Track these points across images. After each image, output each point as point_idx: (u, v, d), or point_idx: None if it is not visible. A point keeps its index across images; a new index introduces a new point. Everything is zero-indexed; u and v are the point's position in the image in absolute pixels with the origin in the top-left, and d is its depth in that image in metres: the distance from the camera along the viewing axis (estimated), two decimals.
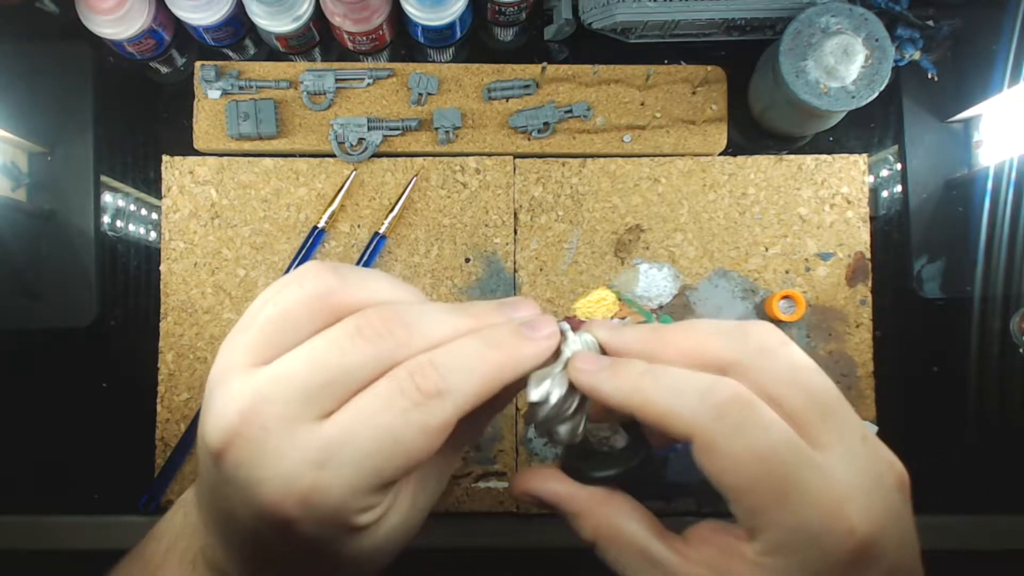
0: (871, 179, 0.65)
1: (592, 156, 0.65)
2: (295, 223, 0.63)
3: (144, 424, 0.62)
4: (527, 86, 0.64)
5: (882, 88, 0.57)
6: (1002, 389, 0.63)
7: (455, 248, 0.64)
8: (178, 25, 0.64)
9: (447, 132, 0.63)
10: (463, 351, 0.31)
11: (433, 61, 0.66)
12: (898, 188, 0.66)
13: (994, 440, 0.63)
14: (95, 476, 0.63)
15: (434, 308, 0.32)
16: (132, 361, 0.63)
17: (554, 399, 0.33)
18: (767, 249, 0.64)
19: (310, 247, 0.62)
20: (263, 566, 0.32)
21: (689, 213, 0.64)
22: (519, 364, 0.32)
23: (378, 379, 0.30)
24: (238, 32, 0.64)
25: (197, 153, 0.64)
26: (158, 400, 0.62)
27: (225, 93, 0.64)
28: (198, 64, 0.64)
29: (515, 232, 0.64)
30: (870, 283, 0.64)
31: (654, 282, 0.63)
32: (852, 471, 0.30)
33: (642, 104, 0.65)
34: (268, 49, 0.66)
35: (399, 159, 0.64)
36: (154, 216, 0.64)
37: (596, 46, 0.66)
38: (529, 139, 0.64)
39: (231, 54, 0.66)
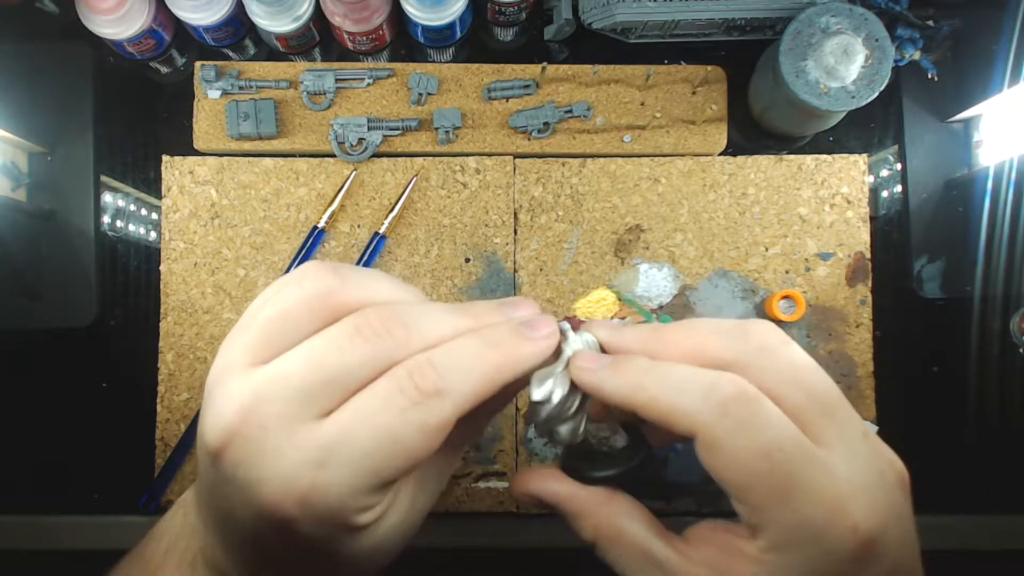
0: (871, 179, 0.65)
1: (592, 156, 0.65)
2: (295, 223, 0.63)
3: (144, 424, 0.62)
4: (527, 86, 0.64)
5: (882, 88, 0.57)
6: (1002, 389, 0.63)
7: (455, 248, 0.64)
8: (178, 25, 0.64)
9: (447, 132, 0.63)
10: (462, 351, 0.31)
11: (433, 61, 0.66)
12: (898, 188, 0.66)
13: (994, 440, 0.63)
14: (95, 476, 0.63)
15: (433, 308, 0.32)
16: (132, 361, 0.63)
17: (556, 398, 0.34)
18: (767, 249, 0.64)
19: (310, 247, 0.62)
20: (262, 566, 0.32)
21: (689, 213, 0.64)
22: (518, 364, 0.32)
23: (377, 379, 0.30)
24: (238, 32, 0.64)
25: (197, 153, 0.64)
26: (158, 400, 0.62)
27: (225, 93, 0.64)
28: (198, 64, 0.64)
29: (515, 232, 0.64)
30: (870, 283, 0.64)
31: (654, 282, 0.63)
32: (854, 469, 0.30)
33: (642, 104, 0.65)
34: (268, 49, 0.66)
35: (399, 159, 0.64)
36: (154, 216, 0.64)
37: (596, 46, 0.66)
38: (529, 139, 0.64)
39: (231, 54, 0.66)
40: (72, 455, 0.63)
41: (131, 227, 0.64)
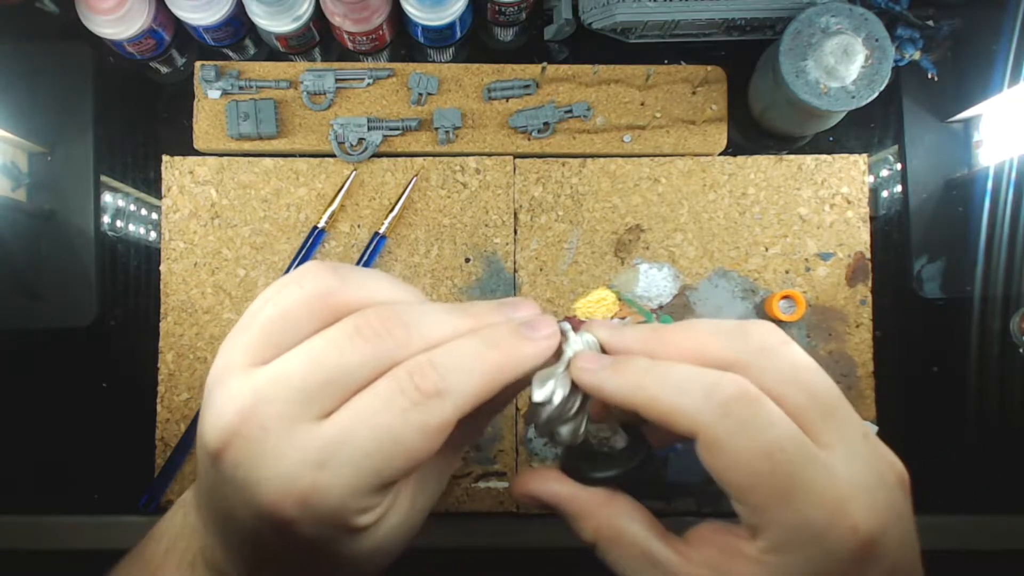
0: (871, 179, 0.65)
1: (592, 156, 0.65)
2: (295, 223, 0.63)
3: (144, 424, 0.62)
4: (527, 86, 0.64)
5: (882, 88, 0.57)
6: (1002, 389, 0.63)
7: (455, 248, 0.64)
8: (178, 25, 0.64)
9: (447, 132, 0.63)
10: (462, 351, 0.31)
11: (433, 61, 0.66)
12: (898, 188, 0.66)
13: (994, 440, 0.63)
14: (95, 476, 0.63)
15: (433, 308, 0.32)
16: (132, 361, 0.63)
17: (557, 399, 0.33)
18: (767, 249, 0.64)
19: (310, 247, 0.62)
20: (262, 566, 0.32)
21: (689, 213, 0.64)
22: (519, 364, 0.32)
23: (378, 379, 0.30)
24: (238, 32, 0.64)
25: (197, 153, 0.64)
26: (158, 400, 0.62)
27: (225, 93, 0.64)
28: (198, 64, 0.64)
29: (515, 232, 0.64)
30: (870, 283, 0.64)
31: (654, 282, 0.63)
32: (854, 469, 0.30)
33: (642, 104, 0.65)
34: (268, 49, 0.66)
35: (399, 159, 0.64)
36: (154, 216, 0.64)
37: (596, 46, 0.66)
38: (529, 139, 0.64)
39: (231, 54, 0.66)
40: (72, 455, 0.63)
41: (131, 227, 0.64)
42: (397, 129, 0.63)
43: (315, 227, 0.62)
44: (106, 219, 0.64)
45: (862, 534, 0.29)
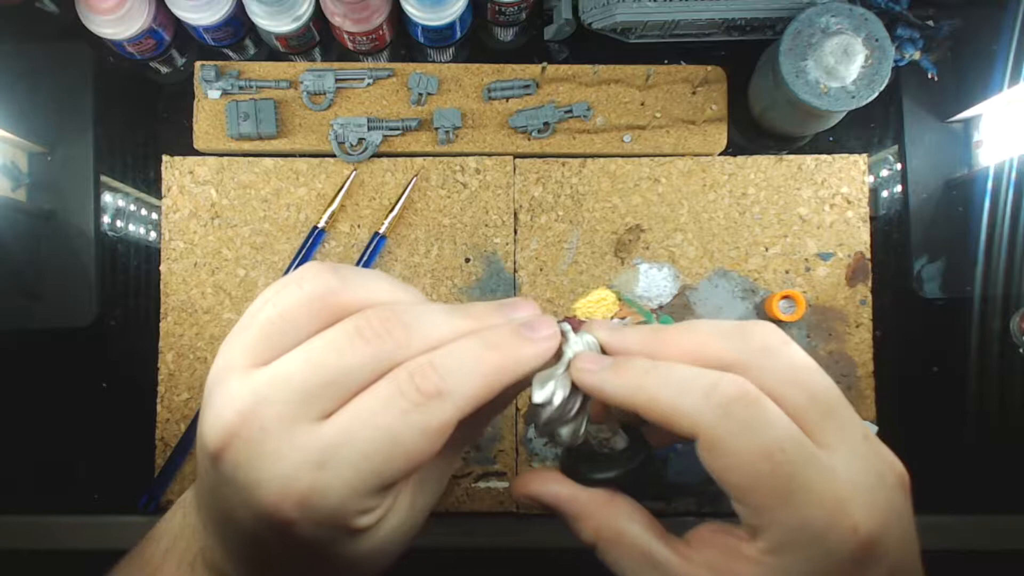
0: (871, 179, 0.65)
1: (592, 156, 0.65)
2: (295, 223, 0.63)
3: (144, 424, 0.62)
4: (527, 86, 0.64)
5: (882, 88, 0.57)
6: (1002, 389, 0.63)
7: (455, 248, 0.64)
8: (178, 25, 0.64)
9: (447, 132, 0.63)
10: (463, 352, 0.31)
11: (433, 61, 0.66)
12: (898, 188, 0.66)
13: (994, 440, 0.63)
14: (95, 476, 0.63)
15: (433, 309, 0.32)
16: (132, 361, 0.63)
17: (557, 400, 0.33)
18: (767, 249, 0.64)
19: (310, 247, 0.62)
20: (262, 567, 0.32)
21: (689, 213, 0.64)
22: (519, 365, 0.32)
23: (378, 380, 0.30)
24: (238, 32, 0.64)
25: (197, 153, 0.64)
26: (158, 400, 0.62)
27: (225, 93, 0.64)
28: (198, 64, 0.64)
29: (515, 232, 0.64)
30: (870, 283, 0.64)
31: (654, 282, 0.63)
32: (854, 470, 0.30)
33: (642, 104, 0.65)
34: (268, 49, 0.66)
35: (399, 159, 0.64)
36: (154, 216, 0.64)
37: (596, 46, 0.66)
38: (529, 139, 0.64)
39: (231, 54, 0.66)
40: (72, 455, 0.63)
41: (131, 227, 0.64)
42: (397, 129, 0.63)
43: (315, 227, 0.62)
44: (106, 219, 0.64)
45: (862, 534, 0.29)
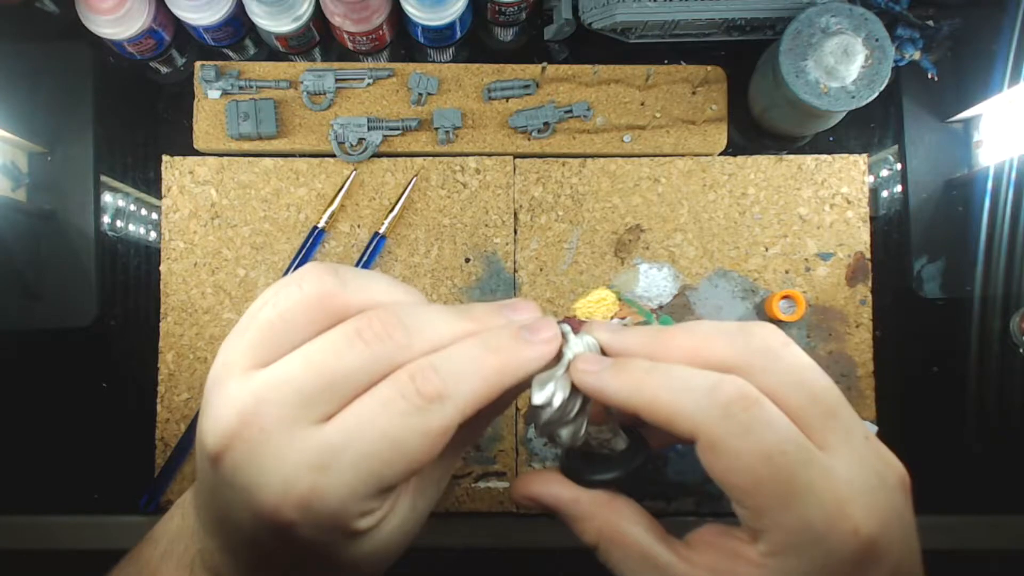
0: (871, 179, 0.65)
1: (592, 156, 0.65)
2: (295, 223, 0.63)
3: (144, 424, 0.62)
4: (527, 86, 0.64)
5: (882, 88, 0.57)
6: (1002, 389, 0.63)
7: (455, 248, 0.64)
8: (178, 25, 0.64)
9: (447, 132, 0.63)
10: (464, 355, 0.31)
11: (433, 61, 0.66)
12: (898, 188, 0.66)
13: (994, 440, 0.63)
14: (95, 476, 0.63)
15: (434, 311, 0.32)
16: (132, 361, 0.63)
17: (557, 402, 0.33)
18: (767, 249, 0.64)
19: (310, 247, 0.62)
20: (261, 569, 0.32)
21: (689, 213, 0.64)
22: (520, 368, 0.32)
23: (379, 383, 0.30)
24: (238, 32, 0.64)
25: (197, 153, 0.64)
26: (158, 400, 0.62)
27: (225, 93, 0.64)
28: (198, 64, 0.64)
29: (515, 232, 0.64)
30: (870, 283, 0.64)
31: (654, 282, 0.63)
32: (855, 471, 0.30)
33: (642, 104, 0.65)
34: (268, 49, 0.66)
35: (399, 159, 0.64)
36: (154, 216, 0.64)
37: (596, 46, 0.66)
38: (529, 139, 0.64)
39: (231, 54, 0.66)
40: (72, 455, 0.63)
41: (131, 227, 0.64)
42: (397, 129, 0.63)
43: (315, 227, 0.62)
44: (106, 219, 0.64)
45: (863, 536, 0.29)
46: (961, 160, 0.66)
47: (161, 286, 0.63)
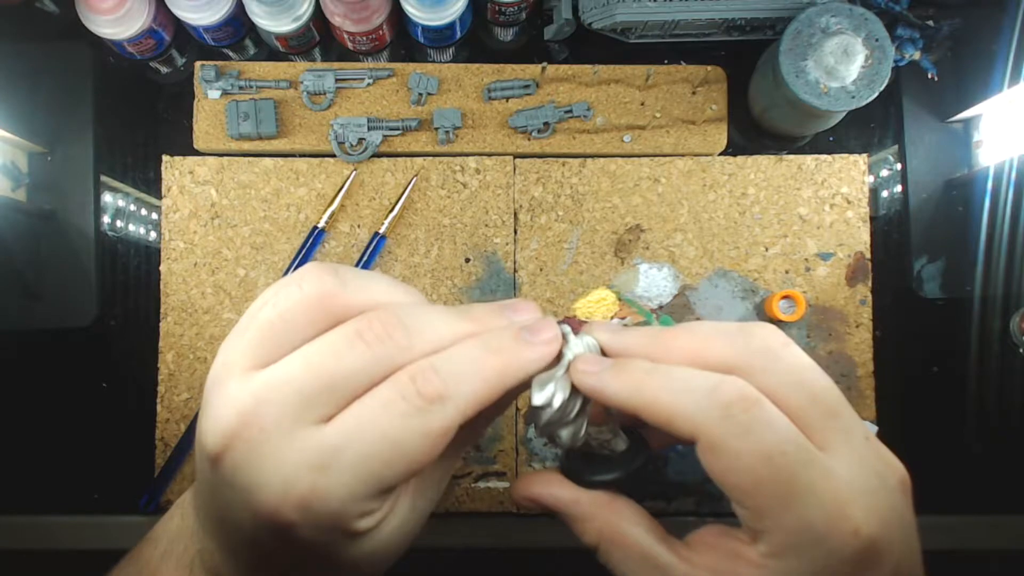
0: (871, 179, 0.65)
1: (592, 156, 0.65)
2: (295, 223, 0.63)
3: (144, 424, 0.62)
4: (527, 86, 0.64)
5: (882, 88, 0.57)
6: (1002, 389, 0.63)
7: (455, 248, 0.64)
8: (178, 25, 0.64)
9: (447, 132, 0.63)
10: (464, 356, 0.31)
11: (433, 61, 0.66)
12: (898, 188, 0.66)
13: (994, 440, 0.63)
14: (95, 476, 0.63)
15: (434, 311, 0.32)
16: (132, 361, 0.63)
17: (557, 403, 0.33)
18: (767, 249, 0.64)
19: (310, 247, 0.62)
20: (261, 569, 0.32)
21: (689, 213, 0.64)
22: (521, 369, 0.32)
23: (379, 384, 0.30)
24: (238, 32, 0.64)
25: (197, 153, 0.64)
26: (158, 400, 0.62)
27: (225, 93, 0.64)
28: (198, 64, 0.64)
29: (515, 232, 0.64)
30: (870, 283, 0.64)
31: (654, 282, 0.63)
32: (855, 472, 0.30)
33: (642, 104, 0.65)
34: (268, 49, 0.66)
35: (399, 159, 0.64)
36: (154, 216, 0.64)
37: (596, 46, 0.66)
38: (529, 139, 0.64)
39: (231, 54, 0.66)
40: (72, 455, 0.63)
41: (131, 227, 0.64)
42: (397, 129, 0.63)
43: (315, 227, 0.62)
44: (106, 219, 0.64)
45: (863, 537, 0.29)
46: (961, 160, 0.66)
47: (161, 286, 0.63)
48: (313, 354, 0.30)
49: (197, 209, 0.63)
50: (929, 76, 0.64)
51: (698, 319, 0.64)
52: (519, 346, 0.32)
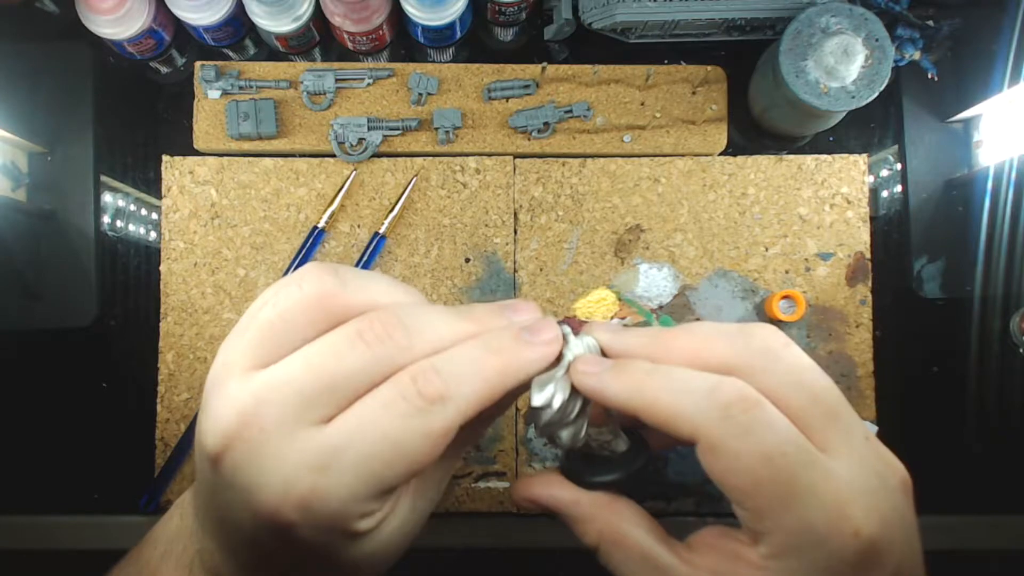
0: (871, 179, 0.65)
1: (592, 156, 0.65)
2: (295, 223, 0.63)
3: (144, 424, 0.62)
4: (527, 86, 0.64)
5: (882, 88, 0.57)
6: (1002, 389, 0.63)
7: (455, 248, 0.64)
8: (178, 25, 0.64)
9: (447, 132, 0.63)
10: (465, 356, 0.31)
11: (433, 61, 0.66)
12: (898, 188, 0.66)
13: (994, 440, 0.63)
14: (95, 476, 0.63)
15: (435, 312, 0.32)
16: (132, 361, 0.63)
17: (557, 403, 0.33)
18: (767, 249, 0.64)
19: (310, 247, 0.62)
20: (261, 570, 0.32)
21: (689, 213, 0.64)
22: (521, 369, 0.32)
23: (380, 384, 0.30)
24: (238, 32, 0.64)
25: (197, 153, 0.64)
26: (158, 400, 0.62)
27: (225, 93, 0.64)
28: (198, 64, 0.64)
29: (515, 232, 0.64)
30: (870, 283, 0.64)
31: (654, 282, 0.63)
32: (856, 472, 0.30)
33: (642, 104, 0.65)
34: (268, 49, 0.66)
35: (399, 159, 0.64)
36: (154, 216, 0.64)
37: (596, 46, 0.66)
38: (529, 139, 0.64)
39: (231, 54, 0.66)
40: (72, 455, 0.63)
41: (131, 227, 0.64)
42: (397, 129, 0.63)
43: (315, 227, 0.62)
44: (106, 219, 0.64)
45: (864, 538, 0.29)
46: (961, 160, 0.66)
47: (161, 286, 0.63)
48: (314, 354, 0.30)
49: (197, 209, 0.63)
50: (929, 76, 0.64)
51: (698, 319, 0.64)
52: (519, 346, 0.32)
